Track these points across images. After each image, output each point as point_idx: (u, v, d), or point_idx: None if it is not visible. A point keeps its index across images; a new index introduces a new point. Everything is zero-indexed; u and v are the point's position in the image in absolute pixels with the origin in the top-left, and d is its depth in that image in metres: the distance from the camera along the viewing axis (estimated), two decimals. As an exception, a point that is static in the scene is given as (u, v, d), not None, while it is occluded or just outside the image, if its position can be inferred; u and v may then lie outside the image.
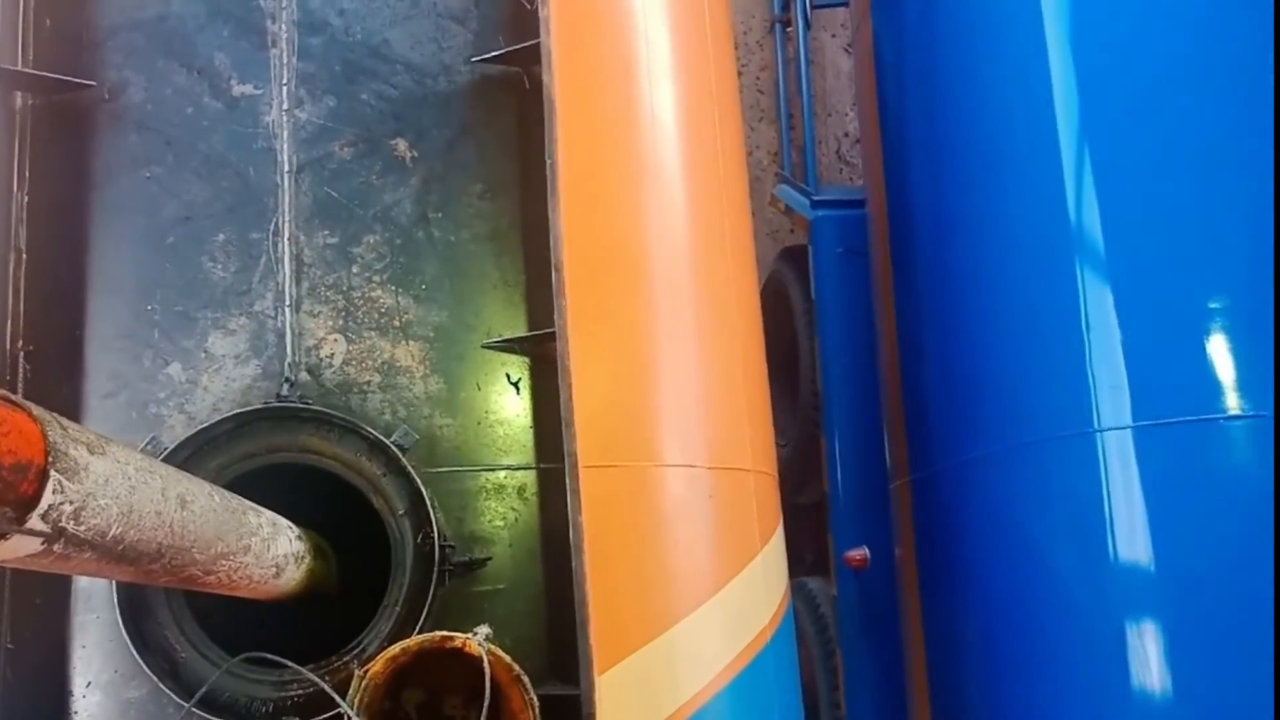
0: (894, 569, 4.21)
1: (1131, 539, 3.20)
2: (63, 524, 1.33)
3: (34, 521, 1.26)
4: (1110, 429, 3.21)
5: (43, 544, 1.31)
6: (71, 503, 1.33)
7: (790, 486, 3.64)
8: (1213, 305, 3.26)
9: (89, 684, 2.70)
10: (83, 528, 1.38)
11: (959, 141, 3.74)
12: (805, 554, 5.13)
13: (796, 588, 4.74)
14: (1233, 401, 3.17)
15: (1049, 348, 3.35)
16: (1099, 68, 3.55)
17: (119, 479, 1.48)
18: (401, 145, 3.02)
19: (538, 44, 2.92)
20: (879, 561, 4.43)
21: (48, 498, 1.28)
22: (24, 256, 2.87)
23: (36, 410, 1.33)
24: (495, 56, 3.07)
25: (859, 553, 4.50)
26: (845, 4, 5.38)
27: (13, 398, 1.32)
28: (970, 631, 3.60)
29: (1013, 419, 3.42)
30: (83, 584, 2.72)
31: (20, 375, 2.80)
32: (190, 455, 2.66)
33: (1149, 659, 3.18)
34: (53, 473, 1.29)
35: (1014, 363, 3.44)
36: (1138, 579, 3.22)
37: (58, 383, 2.82)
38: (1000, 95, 3.64)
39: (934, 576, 3.82)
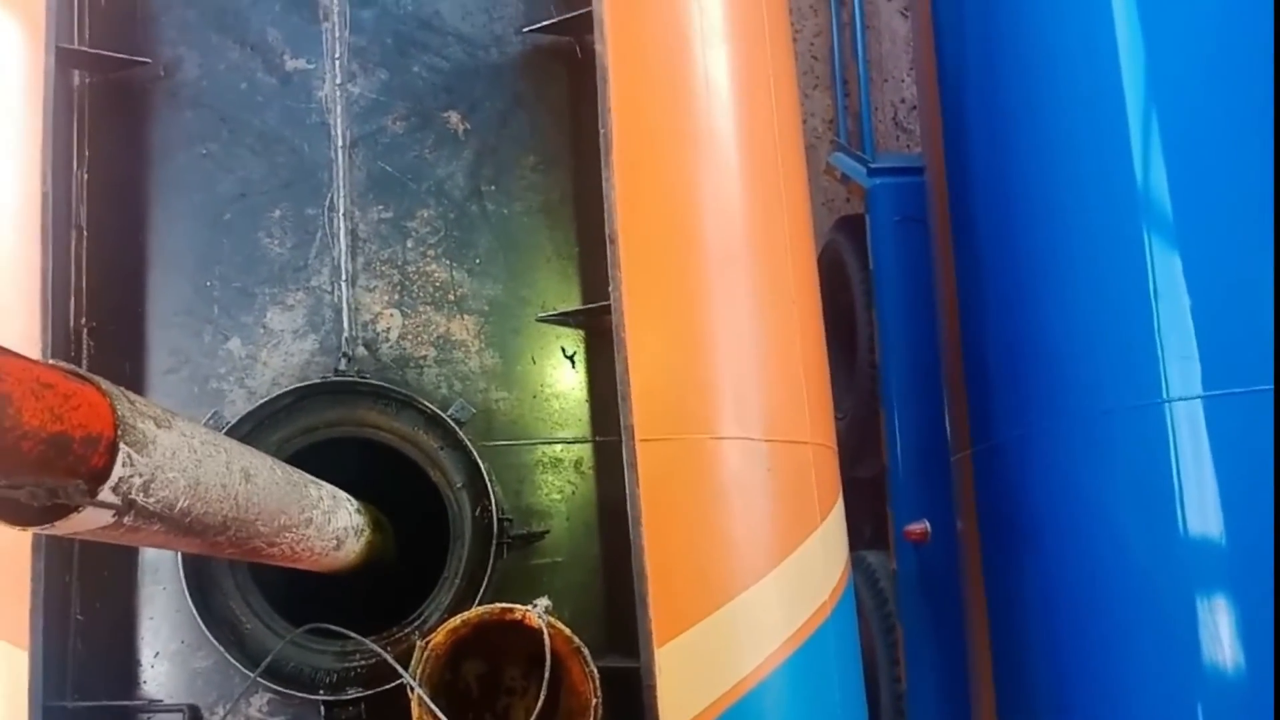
0: (955, 543, 4.16)
1: (1202, 511, 3.12)
2: (132, 496, 1.33)
3: (105, 494, 1.27)
4: (1179, 399, 3.13)
5: (113, 516, 1.32)
6: (141, 475, 1.34)
7: (848, 460, 3.60)
8: (1285, 271, 3.16)
9: (157, 654, 2.75)
10: (152, 500, 1.38)
11: (1022, 104, 3.65)
12: (864, 528, 5.09)
13: (855, 562, 4.71)
14: (1307, 370, 3.07)
15: (1116, 316, 3.27)
16: (1168, 28, 3.44)
17: (185, 452, 1.48)
18: (454, 118, 3.00)
19: (589, 12, 2.88)
20: (939, 535, 4.38)
21: (118, 470, 1.29)
22: (84, 234, 2.89)
23: (105, 384, 1.34)
24: (546, 26, 3.03)
25: (919, 526, 4.46)
26: (901, -34, 5.27)
27: (81, 371, 1.32)
28: (1035, 606, 3.55)
29: (1079, 389, 3.35)
30: (149, 556, 2.77)
31: (84, 351, 2.83)
32: (252, 429, 2.68)
33: (1220, 634, 3.11)
34: (122, 446, 1.29)
35: (1080, 331, 3.37)
36: (1208, 552, 3.15)
37: (120, 359, 2.86)
38: (1065, 56, 3.54)
39: (997, 550, 3.76)
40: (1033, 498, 3.53)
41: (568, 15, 2.99)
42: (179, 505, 1.47)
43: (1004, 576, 3.75)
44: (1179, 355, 3.13)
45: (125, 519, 1.36)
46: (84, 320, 2.86)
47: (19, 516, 1.26)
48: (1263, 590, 3.07)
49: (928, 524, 4.45)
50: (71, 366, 1.31)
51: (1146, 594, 3.20)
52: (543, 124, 3.01)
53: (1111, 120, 3.41)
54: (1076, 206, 3.48)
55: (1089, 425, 3.30)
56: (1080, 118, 3.52)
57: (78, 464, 1.23)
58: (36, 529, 1.29)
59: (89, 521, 1.31)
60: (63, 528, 1.29)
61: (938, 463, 4.30)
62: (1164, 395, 3.13)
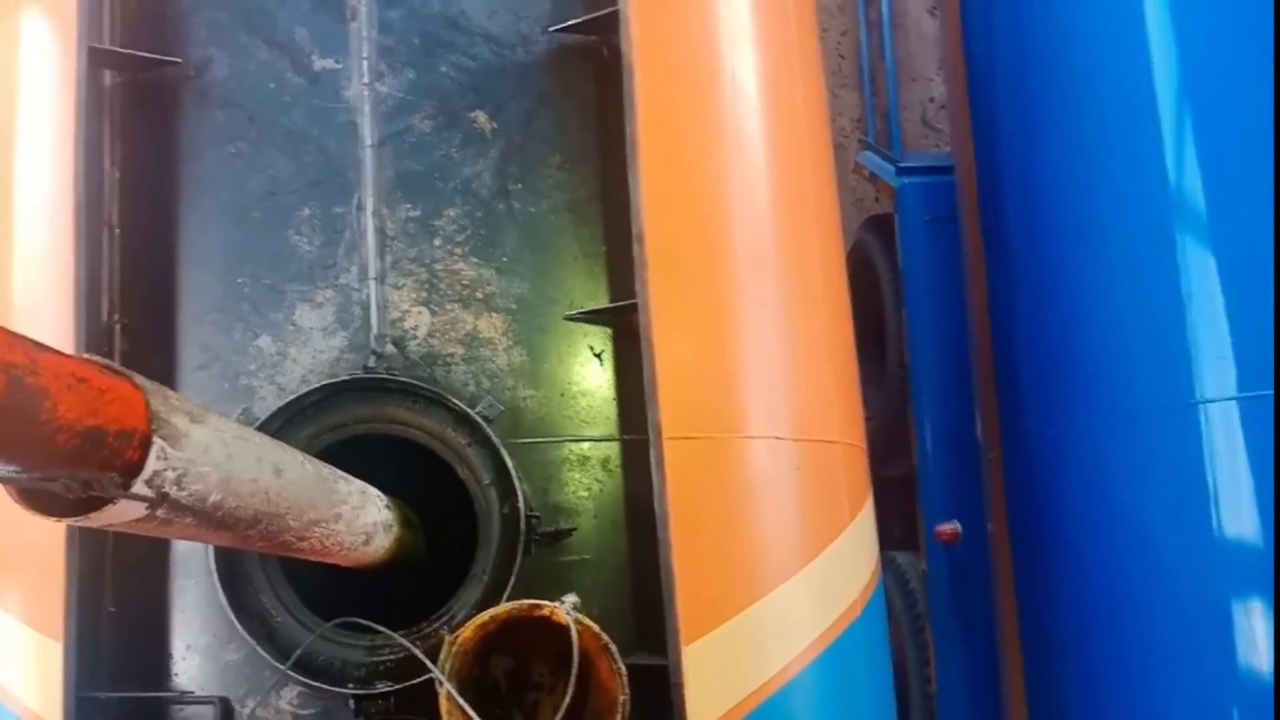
0: (986, 543, 4.13)
1: (1235, 514, 3.09)
2: (166, 490, 1.34)
3: (139, 487, 1.28)
4: (1213, 400, 3.09)
5: (147, 509, 1.33)
6: (174, 469, 1.35)
7: (878, 460, 3.58)
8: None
9: (188, 647, 2.77)
10: (184, 494, 1.39)
11: (1054, 103, 3.61)
12: (894, 528, 5.06)
13: (885, 562, 4.68)
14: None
15: (1149, 316, 3.24)
16: (1203, 27, 3.40)
17: (218, 447, 1.49)
18: (481, 117, 3.00)
19: (615, 11, 2.88)
20: (970, 536, 4.35)
21: (152, 464, 1.30)
22: (116, 232, 2.92)
23: (139, 379, 1.35)
24: (573, 25, 3.02)
25: (950, 527, 4.43)
26: (929, -37, 5.24)
27: (116, 366, 1.33)
28: (1066, 607, 3.52)
29: (1111, 390, 3.32)
30: (181, 550, 2.79)
31: (116, 348, 2.86)
32: (282, 425, 2.69)
33: (1253, 637, 3.07)
34: (156, 440, 1.30)
35: (1113, 332, 3.33)
36: (1241, 555, 3.11)
37: (152, 355, 2.88)
38: (1098, 53, 3.51)
39: (1028, 551, 3.73)
40: (1064, 499, 3.50)
41: (594, 15, 2.99)
42: (211, 499, 1.48)
43: (1034, 577, 3.72)
44: (1213, 356, 3.09)
45: (158, 512, 1.37)
46: (116, 317, 2.89)
47: (54, 508, 1.27)
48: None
49: (958, 524, 4.42)
50: (106, 361, 1.32)
51: (1178, 596, 3.17)
52: (569, 123, 3.01)
53: (1145, 119, 3.38)
54: (1110, 206, 3.44)
55: (1121, 426, 3.27)
56: (1113, 116, 3.48)
57: (112, 457, 1.24)
58: (71, 521, 1.30)
59: (123, 514, 1.32)
60: (97, 520, 1.30)
61: (968, 463, 4.28)
62: (1197, 396, 3.09)
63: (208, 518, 1.51)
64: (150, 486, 1.31)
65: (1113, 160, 3.47)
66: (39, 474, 1.15)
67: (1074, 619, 3.51)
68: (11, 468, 1.15)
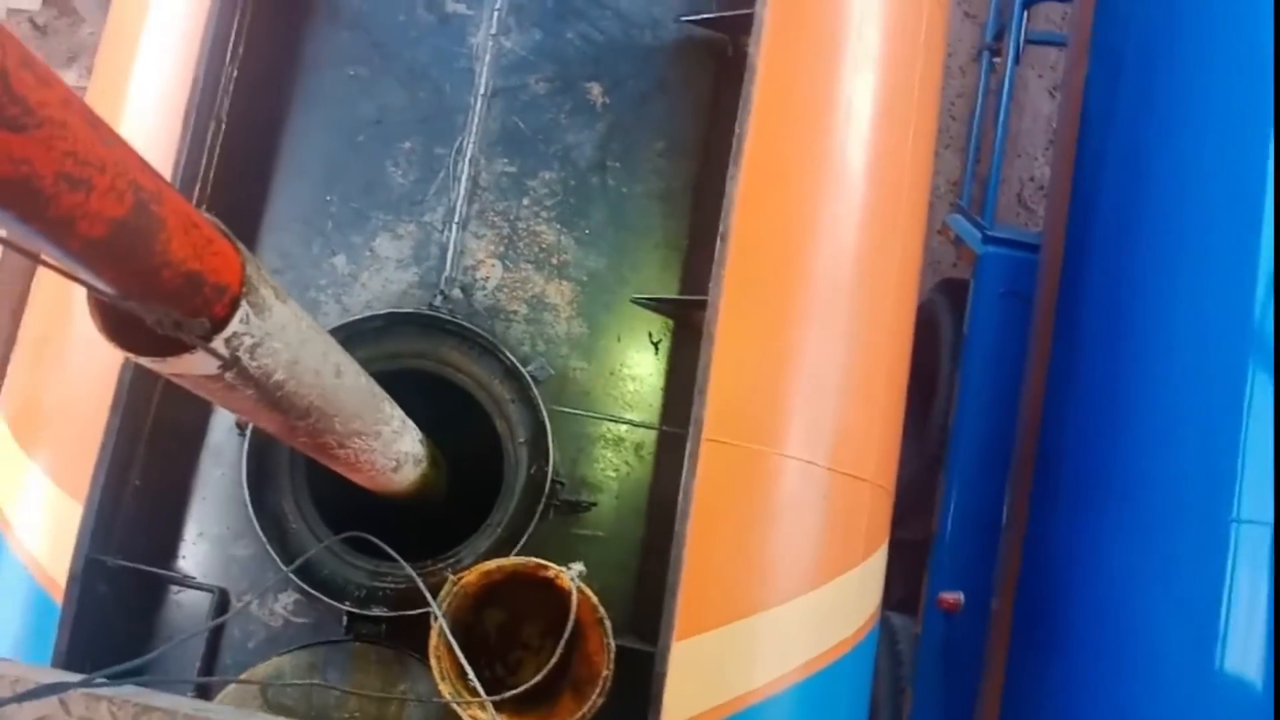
0: (986, 620, 4.10)
1: (1247, 641, 3.05)
2: (240, 355, 1.39)
3: (218, 343, 1.33)
4: (1249, 521, 3.07)
5: (218, 368, 1.37)
6: (252, 336, 1.39)
7: (896, 519, 3.58)
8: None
9: (200, 534, 2.83)
10: (255, 364, 1.44)
11: (1156, 212, 3.61)
12: (894, 589, 5.03)
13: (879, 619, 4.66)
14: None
15: (1205, 429, 3.22)
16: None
17: (294, 330, 1.54)
18: (595, 90, 3.05)
19: (750, 14, 2.92)
20: (971, 610, 4.32)
21: (234, 325, 1.34)
22: (223, 126, 3.00)
23: (239, 244, 1.40)
24: (705, 20, 3.07)
25: (953, 596, 4.40)
26: (1062, 43, 5.22)
27: (222, 226, 1.38)
28: (1056, 703, 3.48)
29: (1151, 493, 3.29)
30: (216, 439, 2.85)
31: (200, 234, 2.92)
32: (340, 343, 2.73)
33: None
34: (244, 303, 1.35)
35: (1166, 437, 3.31)
36: (1243, 686, 3.06)
37: (231, 250, 2.93)
38: (1210, 178, 3.51)
39: (1028, 636, 3.71)
40: (1077, 592, 3.47)
41: (728, 13, 3.03)
42: (275, 377, 1.53)
43: (1030, 665, 3.69)
44: (1257, 479, 3.07)
45: (227, 374, 1.41)
46: (205, 207, 2.95)
47: (133, 344, 1.32)
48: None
49: (961, 595, 4.40)
50: (215, 219, 1.37)
51: (1175, 714, 3.13)
52: (680, 113, 3.05)
53: (1241, 248, 3.38)
54: (1189, 320, 3.43)
55: (1154, 530, 3.25)
56: (1213, 238, 3.49)
57: (203, 307, 1.28)
58: (146, 360, 1.35)
59: (195, 366, 1.36)
60: (171, 366, 1.35)
61: (986, 537, 4.26)
62: (1234, 515, 3.07)
63: (267, 395, 1.55)
64: (228, 346, 1.35)
65: (1202, 279, 3.46)
66: (135, 303, 1.20)
67: (1062, 716, 3.48)
68: (111, 290, 1.20)
